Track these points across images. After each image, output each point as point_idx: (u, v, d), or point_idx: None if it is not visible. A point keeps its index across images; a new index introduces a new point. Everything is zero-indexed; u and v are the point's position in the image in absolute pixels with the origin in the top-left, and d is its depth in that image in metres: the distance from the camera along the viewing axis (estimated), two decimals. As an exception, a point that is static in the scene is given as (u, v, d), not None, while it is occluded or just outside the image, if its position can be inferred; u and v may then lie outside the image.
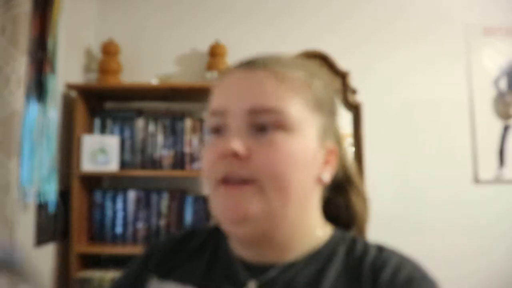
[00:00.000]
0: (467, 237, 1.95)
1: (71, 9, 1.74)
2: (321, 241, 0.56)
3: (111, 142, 1.78)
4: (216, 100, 0.53)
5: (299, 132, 0.51)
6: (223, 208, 0.50)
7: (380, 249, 0.53)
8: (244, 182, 0.49)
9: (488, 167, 2.00)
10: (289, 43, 2.00)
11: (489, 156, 2.01)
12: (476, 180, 2.00)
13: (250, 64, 0.54)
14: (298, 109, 0.51)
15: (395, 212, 1.93)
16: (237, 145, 0.49)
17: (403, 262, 0.51)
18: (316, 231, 0.56)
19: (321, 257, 0.54)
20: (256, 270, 0.54)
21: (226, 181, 0.50)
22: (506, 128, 2.03)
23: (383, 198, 1.91)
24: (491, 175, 2.00)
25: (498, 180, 2.00)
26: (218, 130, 0.53)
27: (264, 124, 0.50)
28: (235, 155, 0.49)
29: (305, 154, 0.51)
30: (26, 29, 1.36)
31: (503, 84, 2.06)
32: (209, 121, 0.54)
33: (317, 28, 2.05)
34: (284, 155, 0.49)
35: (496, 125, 2.03)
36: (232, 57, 1.91)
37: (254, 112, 0.50)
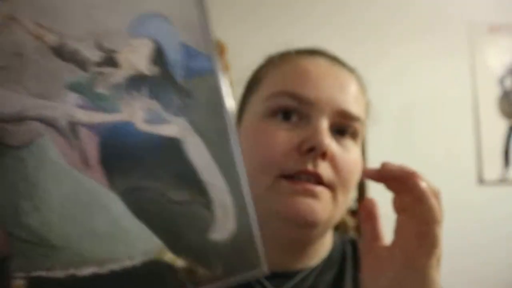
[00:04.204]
0: (470, 238, 1.87)
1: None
2: (329, 245, 0.56)
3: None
4: (299, 84, 0.50)
5: (359, 141, 0.52)
6: (294, 208, 0.46)
7: None
8: (318, 183, 0.47)
9: (493, 167, 1.99)
10: (289, 40, 1.77)
11: (494, 156, 2.00)
12: (481, 181, 1.98)
13: (331, 58, 0.54)
14: (365, 118, 0.53)
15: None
16: (332, 146, 0.48)
17: None
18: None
19: (334, 261, 0.55)
20: (277, 278, 0.51)
21: (291, 177, 0.46)
22: (511, 128, 2.04)
23: (383, 198, 1.80)
24: (496, 175, 2.00)
25: (503, 180, 2.00)
26: (286, 114, 0.49)
27: (345, 129, 0.50)
28: (323, 154, 0.47)
29: (360, 163, 0.51)
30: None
31: (508, 83, 2.05)
32: (276, 100, 0.49)
33: (317, 25, 1.90)
34: (356, 164, 0.50)
35: (501, 125, 2.03)
36: (232, 56, 1.64)
37: (342, 114, 0.50)
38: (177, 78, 0.33)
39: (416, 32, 2.03)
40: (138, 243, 0.32)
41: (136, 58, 0.33)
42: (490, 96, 2.05)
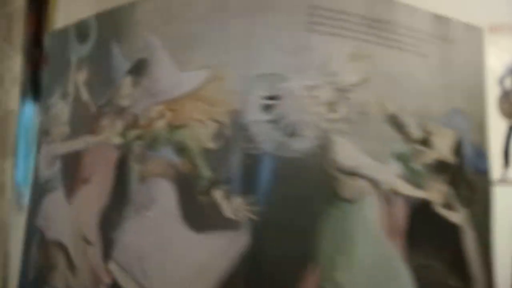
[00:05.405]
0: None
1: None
2: None
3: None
4: None
5: None
6: None
7: None
8: None
9: (493, 167, 2.10)
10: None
11: (493, 156, 2.12)
12: (481, 181, 2.12)
13: None
14: None
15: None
16: None
17: None
18: None
19: None
20: None
21: None
22: (511, 128, 2.17)
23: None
24: (495, 176, 2.10)
25: (503, 180, 2.11)
26: None
27: None
28: None
29: None
30: (21, 26, 1.21)
31: (508, 83, 2.19)
32: None
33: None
34: None
35: (500, 125, 2.15)
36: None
37: None
38: (467, 172, 0.36)
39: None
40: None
41: (442, 144, 0.35)
42: (490, 96, 2.26)
